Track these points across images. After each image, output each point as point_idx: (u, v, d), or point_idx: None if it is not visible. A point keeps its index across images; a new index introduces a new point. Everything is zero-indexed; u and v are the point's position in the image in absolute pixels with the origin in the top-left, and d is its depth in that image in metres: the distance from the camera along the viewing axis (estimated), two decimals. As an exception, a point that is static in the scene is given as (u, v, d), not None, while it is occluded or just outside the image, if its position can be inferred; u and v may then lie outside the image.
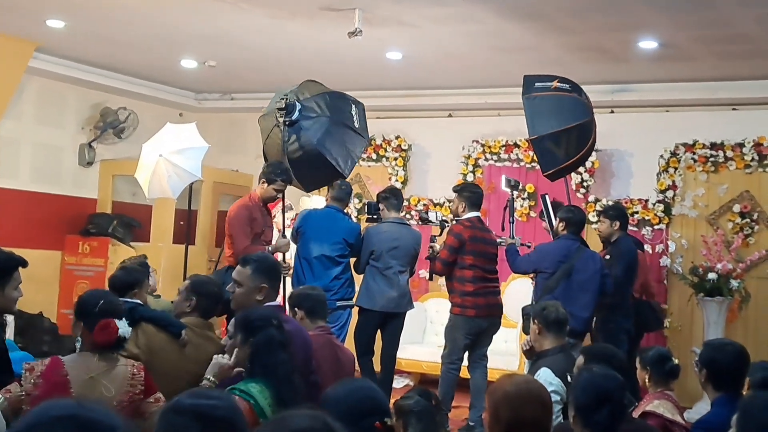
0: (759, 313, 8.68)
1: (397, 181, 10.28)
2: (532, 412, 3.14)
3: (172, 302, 4.85)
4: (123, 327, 3.73)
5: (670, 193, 9.17)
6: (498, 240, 7.33)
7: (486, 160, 10.04)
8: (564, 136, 6.95)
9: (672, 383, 4.60)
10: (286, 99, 6.80)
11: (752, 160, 8.89)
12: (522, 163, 9.89)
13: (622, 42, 7.81)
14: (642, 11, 6.91)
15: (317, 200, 9.03)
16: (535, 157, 9.58)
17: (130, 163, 9.03)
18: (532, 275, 7.22)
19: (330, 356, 4.74)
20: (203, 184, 9.95)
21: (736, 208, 8.94)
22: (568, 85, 7.04)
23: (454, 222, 7.40)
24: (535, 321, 4.95)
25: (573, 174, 9.47)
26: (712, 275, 8.27)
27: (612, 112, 9.66)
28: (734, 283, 8.29)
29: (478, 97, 9.82)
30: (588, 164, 9.48)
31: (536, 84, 7.05)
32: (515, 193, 7.68)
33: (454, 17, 7.32)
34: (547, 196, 7.87)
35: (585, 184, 9.48)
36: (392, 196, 7.40)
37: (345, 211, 7.48)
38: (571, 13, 7.05)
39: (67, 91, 10.36)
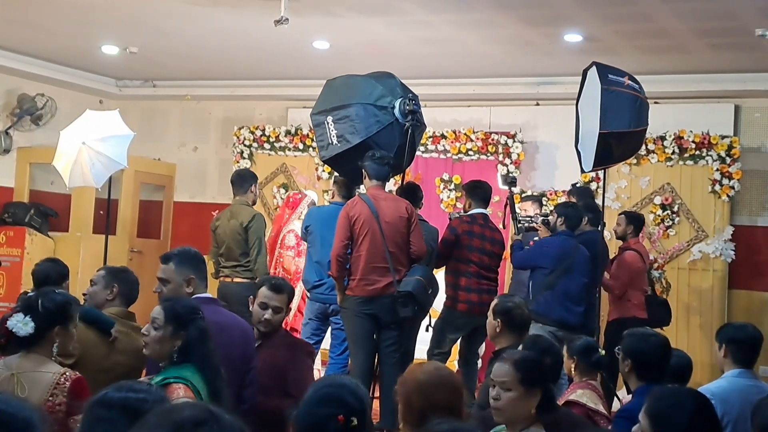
0: (679, 304, 8.85)
1: (324, 171, 10.17)
2: (444, 397, 3.19)
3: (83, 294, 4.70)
4: (18, 323, 3.61)
5: (593, 185, 9.28)
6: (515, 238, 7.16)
7: (412, 151, 10.01)
8: (628, 138, 6.68)
9: (597, 374, 4.66)
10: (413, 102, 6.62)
11: (673, 153, 9.05)
12: (449, 155, 9.89)
13: (546, 35, 7.86)
14: (566, 4, 6.97)
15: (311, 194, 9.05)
16: (461, 148, 9.68)
17: (47, 151, 8.79)
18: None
19: None
20: (124, 173, 9.76)
21: (658, 200, 9.11)
22: (637, 86, 6.74)
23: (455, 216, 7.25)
24: (498, 319, 4.79)
25: (499, 165, 9.56)
26: (634, 266, 8.41)
27: (537, 104, 9.76)
28: (655, 273, 8.45)
29: (405, 87, 9.80)
30: (514, 156, 9.55)
31: (609, 76, 6.68)
32: (513, 189, 7.49)
33: (379, 8, 7.28)
34: (513, 189, 7.63)
35: (511, 175, 9.53)
36: (410, 191, 7.04)
37: None
38: (496, 5, 7.06)
39: (-19, 76, 10.05)
